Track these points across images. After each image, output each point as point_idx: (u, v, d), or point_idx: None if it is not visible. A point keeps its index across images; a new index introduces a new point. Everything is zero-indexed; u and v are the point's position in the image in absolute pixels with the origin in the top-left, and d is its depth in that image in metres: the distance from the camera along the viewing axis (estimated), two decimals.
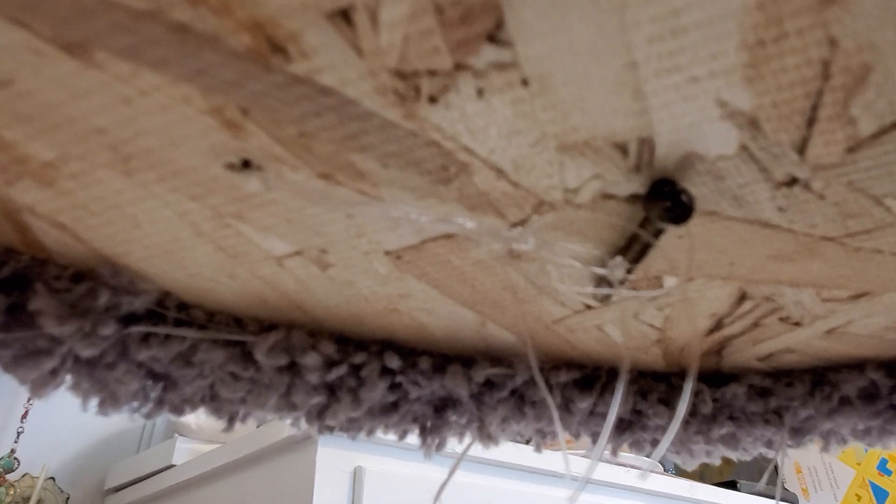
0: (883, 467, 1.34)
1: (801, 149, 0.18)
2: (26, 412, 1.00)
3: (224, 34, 0.15)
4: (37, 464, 0.99)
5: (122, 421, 1.10)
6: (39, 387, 0.24)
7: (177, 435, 0.92)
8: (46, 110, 0.17)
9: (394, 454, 0.71)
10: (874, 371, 0.32)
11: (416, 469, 0.71)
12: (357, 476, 0.66)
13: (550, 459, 0.83)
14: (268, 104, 0.17)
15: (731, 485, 1.16)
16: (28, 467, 0.99)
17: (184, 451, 0.88)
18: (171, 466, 0.87)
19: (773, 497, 1.10)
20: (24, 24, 0.15)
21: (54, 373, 0.24)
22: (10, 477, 0.97)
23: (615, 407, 0.26)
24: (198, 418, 0.92)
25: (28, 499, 0.96)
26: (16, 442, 0.98)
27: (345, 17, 0.14)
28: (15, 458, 0.97)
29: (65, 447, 1.03)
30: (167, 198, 0.20)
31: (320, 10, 0.14)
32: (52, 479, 1.01)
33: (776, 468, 1.25)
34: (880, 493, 1.32)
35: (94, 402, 0.26)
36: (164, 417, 1.12)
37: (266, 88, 0.16)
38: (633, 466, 0.95)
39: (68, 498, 1.01)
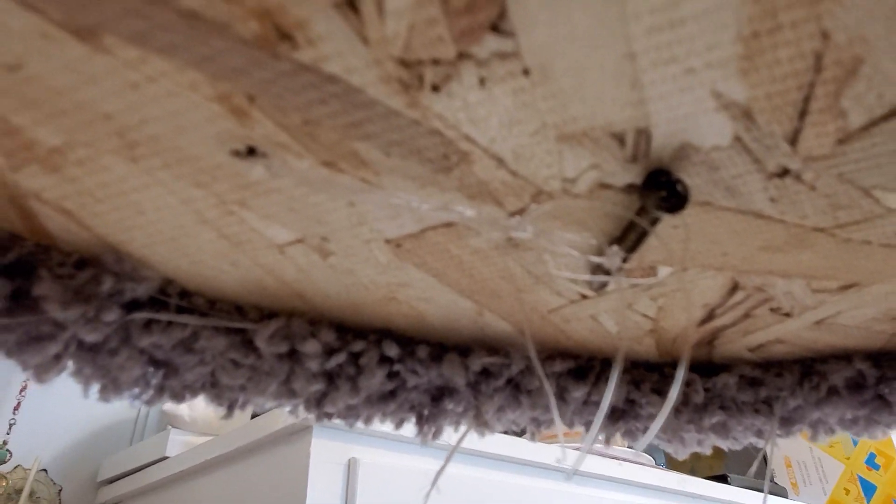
0: (871, 462, 1.36)
1: (793, 140, 0.19)
2: (18, 404, 1.00)
3: (233, 21, 0.15)
4: (29, 456, 0.99)
5: (115, 413, 1.10)
6: (42, 372, 0.24)
7: (170, 427, 0.92)
8: (54, 95, 0.17)
9: (388, 446, 0.71)
10: (861, 362, 0.32)
11: (411, 461, 0.72)
12: (351, 467, 0.67)
13: (543, 452, 0.84)
14: (274, 92, 0.17)
15: (721, 478, 1.18)
16: (20, 459, 0.98)
17: (177, 443, 0.88)
18: (165, 458, 0.87)
19: (763, 490, 1.11)
20: (37, 8, 0.15)
21: (57, 358, 0.24)
22: (2, 469, 0.96)
23: (608, 395, 0.26)
24: (191, 410, 0.92)
25: (20, 491, 0.95)
26: (8, 433, 0.98)
27: (351, 5, 0.15)
28: (7, 450, 0.97)
29: (57, 439, 1.03)
30: (172, 185, 0.21)
31: None
32: (45, 471, 1.01)
33: (765, 459, 1.27)
34: (868, 487, 1.34)
35: (94, 388, 0.27)
36: (158, 409, 1.12)
37: (273, 76, 0.16)
38: (624, 459, 0.96)
39: (61, 490, 1.01)
